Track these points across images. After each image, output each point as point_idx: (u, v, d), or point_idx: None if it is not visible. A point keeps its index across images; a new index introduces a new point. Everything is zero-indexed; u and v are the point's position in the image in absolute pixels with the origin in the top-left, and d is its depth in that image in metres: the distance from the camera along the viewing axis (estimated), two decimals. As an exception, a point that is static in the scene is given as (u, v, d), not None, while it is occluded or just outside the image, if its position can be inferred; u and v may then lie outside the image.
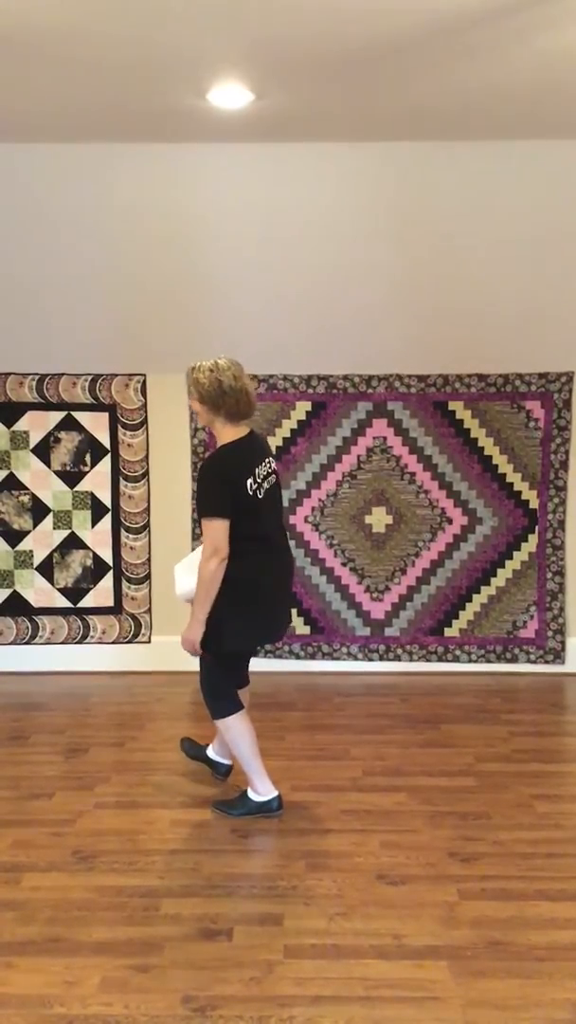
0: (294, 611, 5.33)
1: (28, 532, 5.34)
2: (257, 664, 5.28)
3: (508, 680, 5.21)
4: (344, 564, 5.32)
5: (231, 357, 3.34)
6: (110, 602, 5.38)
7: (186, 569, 3.47)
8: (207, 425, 3.38)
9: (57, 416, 5.28)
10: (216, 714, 3.44)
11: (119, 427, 5.28)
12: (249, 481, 3.24)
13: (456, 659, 5.34)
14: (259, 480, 3.28)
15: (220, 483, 3.21)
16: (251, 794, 3.47)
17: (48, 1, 2.80)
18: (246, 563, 3.24)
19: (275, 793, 3.46)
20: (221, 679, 3.47)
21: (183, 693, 5.00)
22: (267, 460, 3.36)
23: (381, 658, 5.35)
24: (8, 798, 3.67)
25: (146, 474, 5.32)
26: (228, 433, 3.31)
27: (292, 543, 5.30)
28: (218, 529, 3.17)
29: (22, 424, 5.28)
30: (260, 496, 3.27)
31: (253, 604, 3.30)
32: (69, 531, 5.35)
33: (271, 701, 4.73)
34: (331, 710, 4.70)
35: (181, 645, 3.36)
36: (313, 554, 5.32)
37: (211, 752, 3.78)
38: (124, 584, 5.37)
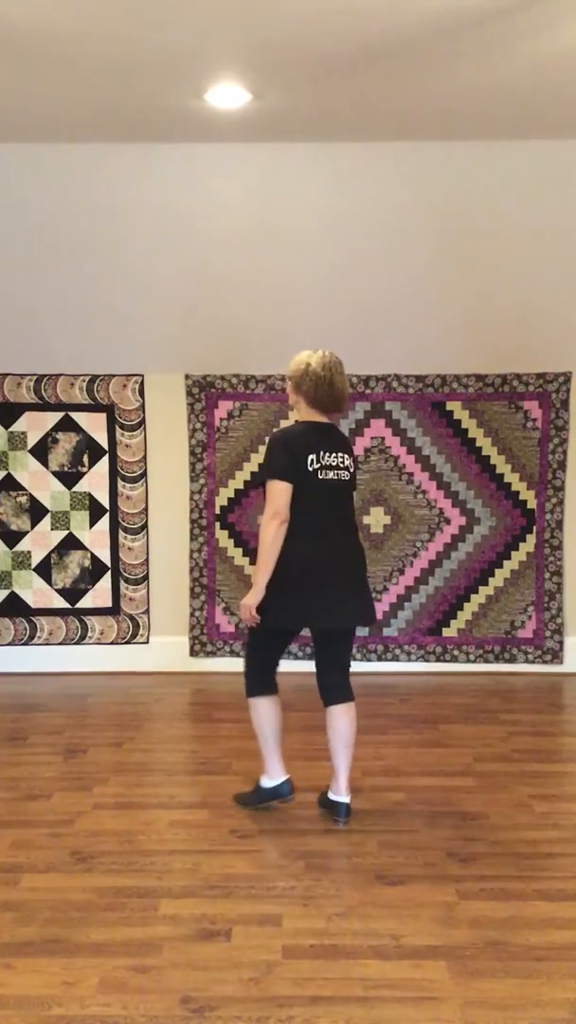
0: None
1: (26, 533, 5.34)
2: (255, 664, 5.31)
3: (506, 680, 5.21)
4: (342, 564, 5.32)
5: (337, 357, 3.35)
6: (108, 603, 5.38)
7: None
8: (293, 405, 3.44)
9: (55, 416, 5.28)
10: (247, 691, 3.48)
11: (117, 427, 5.28)
12: (311, 457, 3.28)
13: (454, 659, 5.34)
14: (323, 463, 3.30)
15: (282, 448, 3.27)
16: (263, 780, 3.51)
17: (47, 2, 2.80)
18: (301, 543, 3.27)
19: (285, 776, 3.50)
20: (256, 655, 3.49)
21: (181, 693, 5.00)
22: (341, 454, 3.36)
23: (379, 658, 5.35)
24: (6, 799, 3.66)
25: (144, 474, 5.31)
26: (304, 415, 3.39)
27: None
28: (280, 491, 3.24)
29: (20, 424, 5.28)
30: (320, 478, 3.29)
31: (291, 584, 3.28)
32: (67, 532, 5.35)
33: (269, 701, 4.72)
34: (329, 710, 4.69)
35: (240, 613, 3.40)
36: (311, 554, 5.32)
37: (331, 795, 3.50)
38: (122, 585, 5.36)
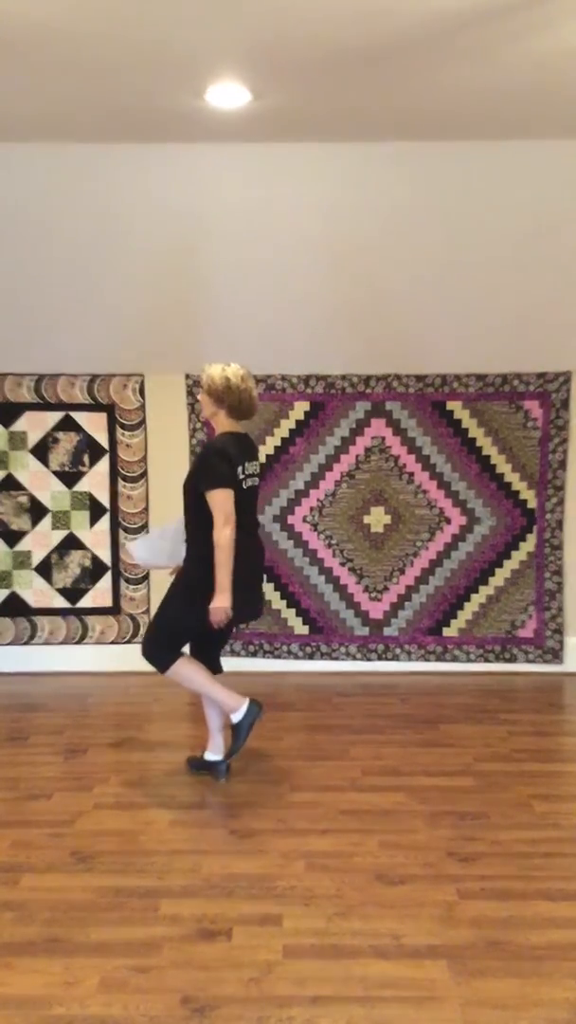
0: (292, 611, 5.33)
1: (26, 532, 5.34)
2: (256, 664, 5.32)
3: (507, 680, 5.21)
4: (343, 564, 5.32)
5: (246, 367, 3.68)
6: (108, 602, 5.38)
7: (146, 545, 3.91)
8: (209, 417, 3.73)
9: (55, 416, 5.28)
10: (165, 666, 3.67)
11: (117, 427, 5.28)
12: (240, 467, 3.59)
13: (455, 659, 5.34)
14: (247, 472, 3.63)
15: (222, 458, 3.54)
16: (235, 716, 3.63)
17: (46, 1, 2.80)
18: (236, 545, 3.53)
19: (246, 700, 3.66)
20: (174, 637, 3.69)
21: (181, 694, 5.00)
22: (255, 462, 3.71)
23: (380, 658, 5.35)
24: (7, 799, 3.67)
25: (144, 474, 5.32)
26: (226, 425, 3.67)
27: (291, 542, 5.32)
28: (226, 498, 3.50)
29: (20, 424, 5.28)
30: (244, 487, 3.61)
31: (234, 584, 3.51)
32: (67, 531, 5.35)
33: (270, 701, 4.72)
34: (330, 710, 4.70)
35: (211, 616, 3.51)
36: (312, 554, 5.32)
37: (207, 756, 3.85)
38: (122, 584, 5.37)
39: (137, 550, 3.92)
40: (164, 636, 3.70)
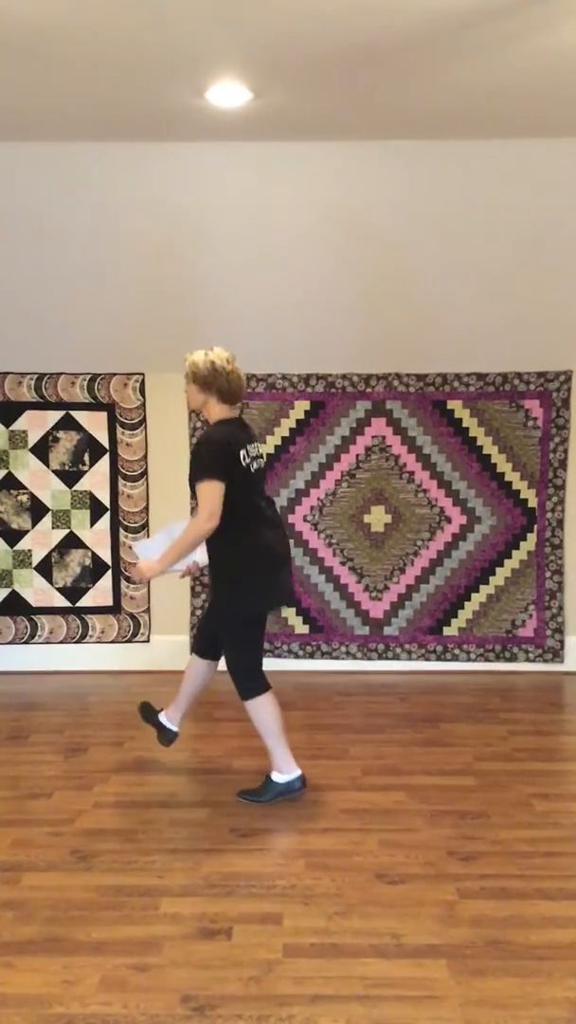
0: (292, 610, 5.34)
1: (27, 531, 5.34)
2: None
3: (507, 679, 5.21)
4: (343, 563, 5.32)
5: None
6: (109, 601, 5.38)
7: (147, 546, 3.77)
8: (198, 408, 3.58)
9: (56, 415, 5.28)
10: (245, 694, 3.53)
11: (118, 426, 5.28)
12: (242, 452, 3.45)
13: (455, 658, 5.34)
14: (251, 455, 3.51)
15: (217, 448, 3.39)
16: (275, 776, 3.55)
17: (46, 0, 2.80)
18: (255, 532, 3.45)
19: (298, 772, 3.56)
20: (249, 655, 3.55)
21: (182, 692, 5.00)
22: (256, 443, 3.60)
23: (380, 657, 5.35)
24: (7, 797, 3.67)
25: (145, 473, 5.31)
26: (219, 411, 3.52)
27: (291, 542, 5.31)
28: (215, 491, 3.34)
29: (20, 423, 5.28)
30: (252, 470, 3.49)
31: (269, 568, 3.48)
32: (68, 530, 5.35)
33: (270, 700, 4.73)
34: (330, 709, 4.70)
35: (134, 571, 3.52)
36: (312, 553, 5.32)
37: (162, 717, 3.85)
38: (123, 583, 5.37)
39: (142, 551, 3.84)
40: (242, 659, 3.53)
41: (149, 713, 3.92)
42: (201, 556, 3.65)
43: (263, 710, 3.52)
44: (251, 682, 3.53)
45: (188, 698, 3.81)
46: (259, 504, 3.51)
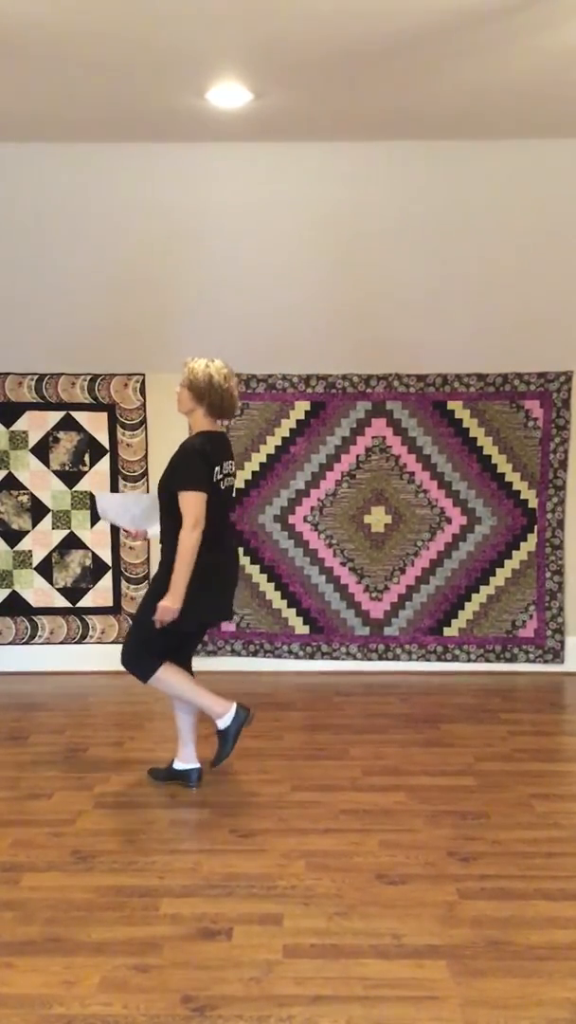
0: (292, 610, 5.33)
1: (27, 532, 5.34)
2: (256, 664, 5.31)
3: (507, 679, 5.21)
4: (343, 564, 5.32)
5: (229, 366, 3.58)
6: (109, 602, 5.38)
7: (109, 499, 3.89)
8: (186, 413, 3.62)
9: (56, 416, 5.28)
10: (146, 675, 3.59)
11: (118, 427, 5.28)
12: (216, 469, 3.51)
13: (455, 658, 5.34)
14: (224, 472, 3.56)
15: (200, 460, 3.45)
16: (219, 723, 3.58)
17: (46, 0, 2.80)
18: (208, 546, 3.47)
19: (233, 704, 3.59)
20: (153, 647, 3.58)
21: (182, 693, 5.00)
22: (230, 462, 3.63)
23: (380, 658, 5.35)
24: (7, 798, 3.67)
25: (145, 474, 5.31)
26: (204, 424, 3.57)
27: (291, 542, 5.31)
28: (198, 501, 3.42)
29: (21, 424, 5.28)
30: (221, 488, 3.54)
31: (206, 587, 3.49)
32: (68, 531, 5.35)
33: (270, 701, 4.73)
34: (330, 710, 4.70)
35: (157, 614, 3.47)
36: (312, 553, 5.32)
37: (177, 765, 3.77)
38: (123, 584, 5.37)
39: (102, 500, 3.93)
40: (142, 643, 3.61)
41: (161, 773, 3.81)
42: (154, 531, 3.74)
43: (167, 680, 3.57)
44: (148, 663, 3.57)
45: (187, 733, 3.75)
46: (220, 522, 3.56)
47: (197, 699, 3.60)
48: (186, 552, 3.41)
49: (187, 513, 3.41)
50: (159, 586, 3.52)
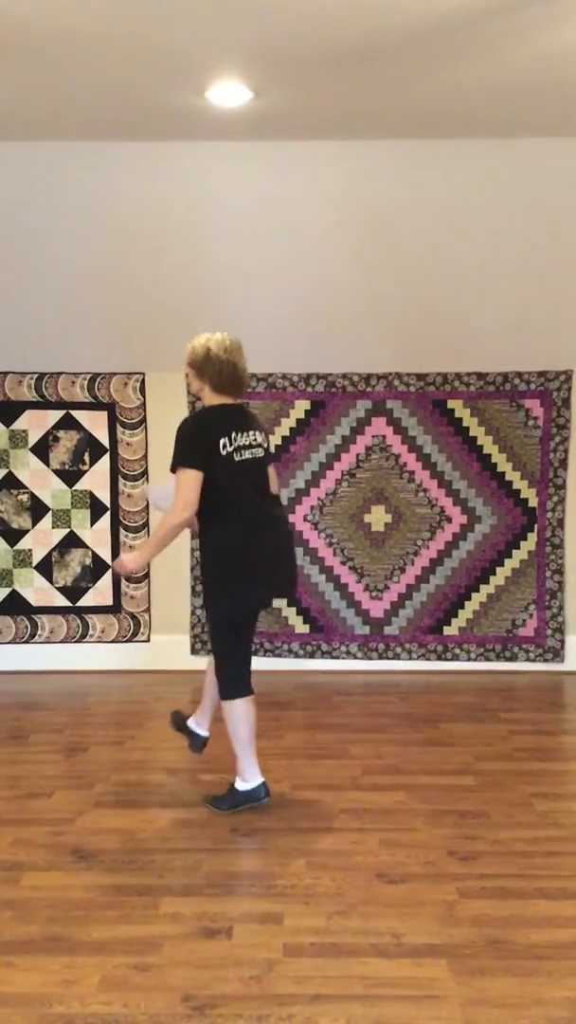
0: (292, 609, 5.33)
1: (27, 531, 5.34)
2: (257, 663, 5.27)
3: (507, 679, 5.21)
4: (343, 563, 5.32)
5: (236, 338, 3.39)
6: (109, 601, 5.38)
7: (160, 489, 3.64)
8: (196, 393, 3.46)
9: (56, 415, 5.28)
10: (225, 694, 3.43)
11: (118, 426, 5.28)
12: (223, 441, 3.27)
13: (455, 658, 5.34)
14: (236, 444, 3.30)
15: (192, 436, 3.28)
16: (238, 784, 3.46)
17: (46, 0, 2.80)
18: (224, 528, 3.31)
19: (261, 780, 3.46)
20: (233, 656, 3.43)
21: (182, 692, 5.00)
22: (251, 432, 3.38)
23: (380, 657, 5.35)
24: (7, 797, 3.67)
25: (145, 473, 5.31)
26: (212, 400, 3.39)
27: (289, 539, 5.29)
28: (190, 480, 3.22)
29: (21, 423, 5.28)
30: (236, 460, 3.29)
31: (240, 568, 3.32)
32: (68, 530, 5.35)
33: (270, 700, 4.72)
34: (330, 709, 4.70)
35: (118, 566, 3.44)
36: (312, 553, 5.32)
37: (191, 723, 3.78)
38: (123, 583, 5.37)
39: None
40: (223, 659, 3.44)
41: (179, 720, 3.86)
42: (166, 504, 3.47)
43: (235, 714, 3.41)
44: (230, 683, 3.42)
45: (212, 700, 3.64)
46: (239, 497, 3.31)
47: (241, 750, 3.43)
48: (165, 529, 3.25)
49: (178, 493, 3.22)
50: (205, 586, 3.42)
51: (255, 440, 3.38)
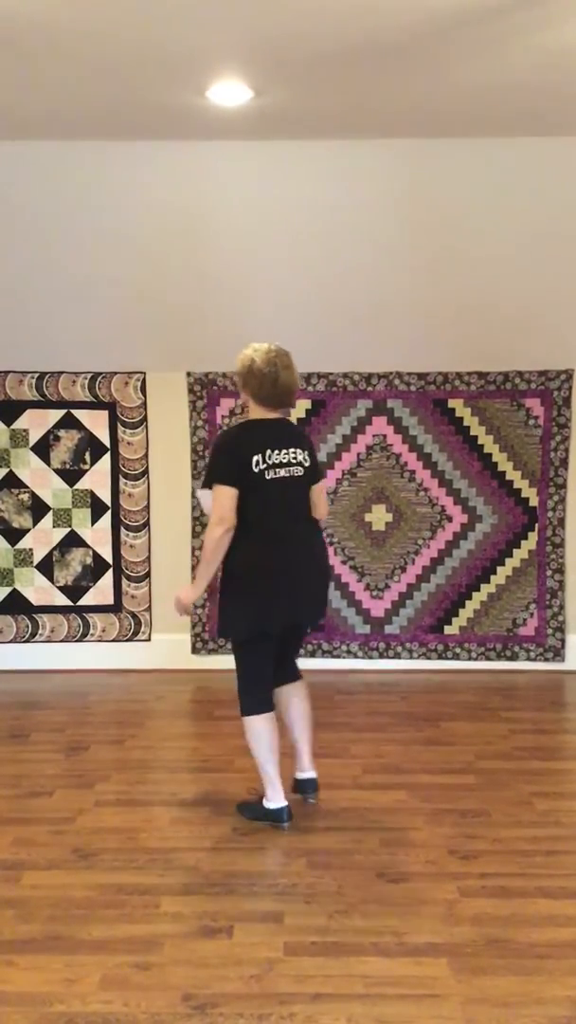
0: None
1: (28, 530, 5.34)
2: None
3: (508, 678, 5.21)
4: (344, 562, 5.32)
5: (283, 348, 3.30)
6: (110, 600, 5.38)
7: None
8: (243, 404, 3.40)
9: (57, 414, 5.27)
10: (242, 710, 3.35)
11: (119, 425, 5.28)
12: (256, 458, 3.20)
13: (456, 657, 5.34)
14: (270, 462, 3.22)
15: (226, 452, 3.23)
16: (265, 800, 3.38)
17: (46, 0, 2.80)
18: (246, 550, 3.23)
19: (284, 804, 3.35)
20: (246, 673, 3.35)
21: (183, 691, 5.01)
22: (291, 449, 3.28)
23: (381, 656, 5.35)
24: (8, 796, 3.67)
25: (146, 472, 5.31)
26: (254, 412, 3.32)
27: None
28: (223, 495, 3.18)
29: (22, 422, 5.28)
30: (268, 478, 3.21)
31: (256, 588, 3.25)
32: (69, 529, 5.35)
33: (271, 699, 4.72)
34: (331, 708, 4.70)
35: (177, 605, 3.40)
36: (313, 552, 5.32)
37: (298, 774, 3.51)
38: (124, 582, 5.37)
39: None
40: (240, 676, 3.35)
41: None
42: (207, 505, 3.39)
43: (249, 732, 3.33)
44: (242, 699, 3.35)
45: (299, 737, 3.48)
46: (271, 516, 3.24)
47: (260, 768, 3.33)
48: (206, 547, 3.22)
49: (213, 508, 3.20)
50: (219, 598, 3.36)
51: (294, 458, 3.28)
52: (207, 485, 3.27)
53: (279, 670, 3.44)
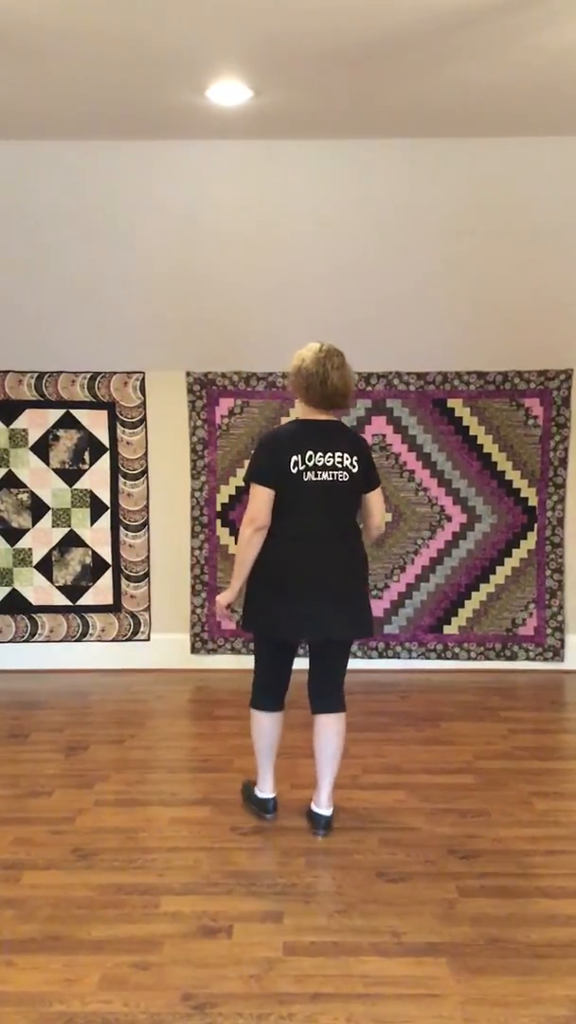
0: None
1: (27, 530, 5.34)
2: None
3: (507, 677, 5.21)
4: (343, 562, 5.31)
5: (335, 347, 3.20)
6: (109, 600, 5.38)
7: None
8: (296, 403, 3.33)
9: (56, 414, 5.27)
10: (250, 702, 3.40)
11: (118, 425, 5.28)
12: (295, 458, 3.11)
13: (455, 656, 5.34)
14: (309, 464, 3.12)
15: (264, 451, 3.17)
16: (257, 789, 3.47)
17: (46, 0, 2.80)
18: (273, 548, 3.16)
19: (271, 795, 3.43)
20: (256, 666, 3.38)
21: (182, 691, 5.01)
22: (336, 452, 3.15)
23: (380, 656, 5.35)
24: (8, 796, 3.67)
25: (145, 472, 5.31)
26: (300, 412, 3.27)
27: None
28: (257, 496, 3.13)
29: (21, 422, 5.28)
30: (306, 480, 3.12)
31: (276, 593, 3.18)
32: (68, 529, 5.35)
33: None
34: (330, 708, 4.69)
35: (216, 608, 3.38)
36: (312, 552, 5.32)
37: (312, 807, 3.40)
38: (123, 582, 5.37)
39: None
40: (255, 666, 3.38)
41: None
42: None
43: (252, 723, 3.39)
44: (253, 692, 3.39)
45: (322, 772, 3.35)
46: (305, 519, 3.14)
47: (258, 758, 3.40)
48: (239, 548, 3.18)
49: (248, 507, 3.17)
50: (246, 586, 3.28)
51: (339, 462, 3.15)
52: (246, 482, 3.25)
53: (316, 690, 3.32)
